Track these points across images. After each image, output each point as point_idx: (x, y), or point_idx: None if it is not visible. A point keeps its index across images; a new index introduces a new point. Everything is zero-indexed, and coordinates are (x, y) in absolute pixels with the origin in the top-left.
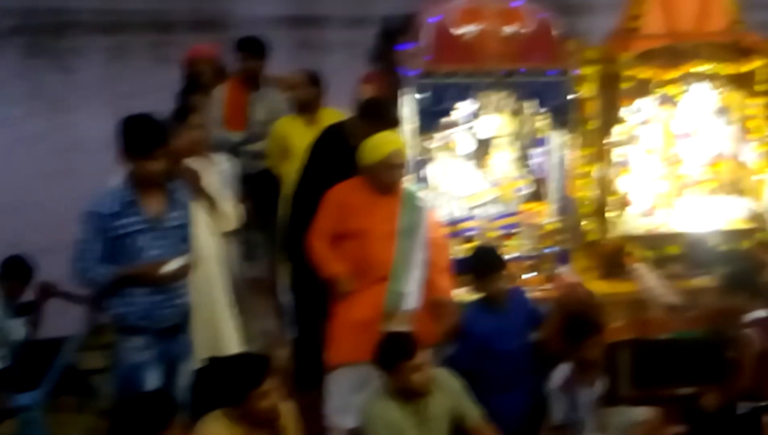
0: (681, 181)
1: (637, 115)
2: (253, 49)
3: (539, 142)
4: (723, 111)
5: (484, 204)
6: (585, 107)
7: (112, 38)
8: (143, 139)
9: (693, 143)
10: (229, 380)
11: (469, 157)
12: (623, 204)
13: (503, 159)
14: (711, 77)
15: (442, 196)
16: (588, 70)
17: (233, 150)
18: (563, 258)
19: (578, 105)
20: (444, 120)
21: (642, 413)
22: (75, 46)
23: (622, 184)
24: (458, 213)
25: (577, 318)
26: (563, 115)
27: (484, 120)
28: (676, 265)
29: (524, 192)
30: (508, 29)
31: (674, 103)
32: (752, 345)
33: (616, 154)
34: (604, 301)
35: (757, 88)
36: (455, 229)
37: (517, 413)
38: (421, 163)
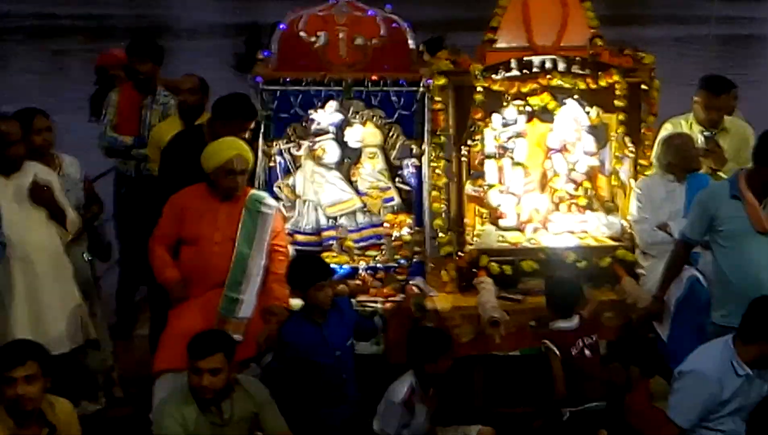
0: (555, 196)
1: (510, 127)
2: (144, 53)
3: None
4: (600, 127)
5: (350, 213)
6: (437, 119)
7: (53, 43)
8: None
9: (567, 158)
10: None
11: (336, 165)
12: (495, 217)
13: (372, 169)
14: (568, 91)
15: (306, 204)
16: (440, 81)
17: (125, 154)
18: (418, 270)
19: (431, 116)
20: (314, 127)
21: (475, 430)
22: (15, 50)
23: (493, 197)
24: (323, 222)
25: (429, 334)
26: (415, 126)
27: (352, 129)
28: (532, 280)
29: (393, 202)
30: (359, 38)
31: (549, 117)
32: (554, 355)
33: (486, 167)
34: (453, 315)
35: (616, 103)
36: (319, 238)
37: (342, 426)
38: (273, 170)
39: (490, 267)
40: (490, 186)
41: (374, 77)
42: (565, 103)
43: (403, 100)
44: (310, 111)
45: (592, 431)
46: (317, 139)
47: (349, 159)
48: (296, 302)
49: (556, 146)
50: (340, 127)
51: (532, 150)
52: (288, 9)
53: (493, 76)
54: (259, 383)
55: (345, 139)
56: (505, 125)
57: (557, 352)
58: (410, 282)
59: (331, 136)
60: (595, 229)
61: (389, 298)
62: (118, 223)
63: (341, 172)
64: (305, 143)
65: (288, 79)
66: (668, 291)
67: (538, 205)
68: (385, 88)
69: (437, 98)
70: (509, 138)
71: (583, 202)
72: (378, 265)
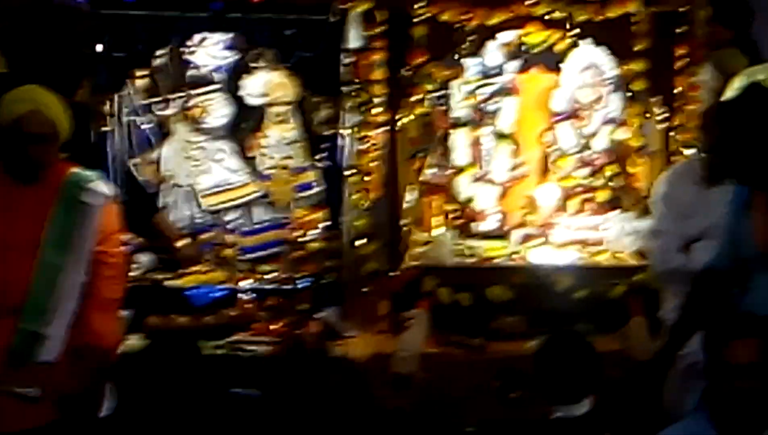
0: (562, 187)
1: (493, 79)
2: None
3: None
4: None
5: (243, 206)
6: (360, 64)
7: None
8: None
9: (581, 129)
10: None
11: (226, 133)
12: (468, 218)
13: (279, 139)
14: (560, 24)
15: (176, 191)
16: (362, 7)
17: None
18: (331, 296)
19: (351, 61)
20: (191, 73)
21: None
22: None
23: (464, 187)
24: (201, 218)
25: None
26: (325, 76)
27: (252, 78)
28: (509, 317)
29: (312, 191)
30: None
31: (551, 66)
32: None
33: (454, 141)
34: (376, 368)
35: (637, 45)
36: (192, 244)
37: None
38: (109, 138)
39: (438, 294)
40: (459, 170)
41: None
42: (578, 44)
43: (305, 35)
44: (166, 49)
45: None
46: (196, 91)
47: (247, 123)
48: (135, 343)
49: (563, 109)
50: (234, 75)
51: (529, 115)
52: None
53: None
54: None
55: (241, 93)
56: (485, 76)
57: None
58: (316, 315)
59: (217, 87)
60: (618, 239)
61: (280, 338)
62: None
63: (234, 143)
64: (177, 98)
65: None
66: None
67: (538, 201)
68: (274, 16)
69: (362, 32)
70: (491, 96)
71: (603, 197)
72: (270, 286)
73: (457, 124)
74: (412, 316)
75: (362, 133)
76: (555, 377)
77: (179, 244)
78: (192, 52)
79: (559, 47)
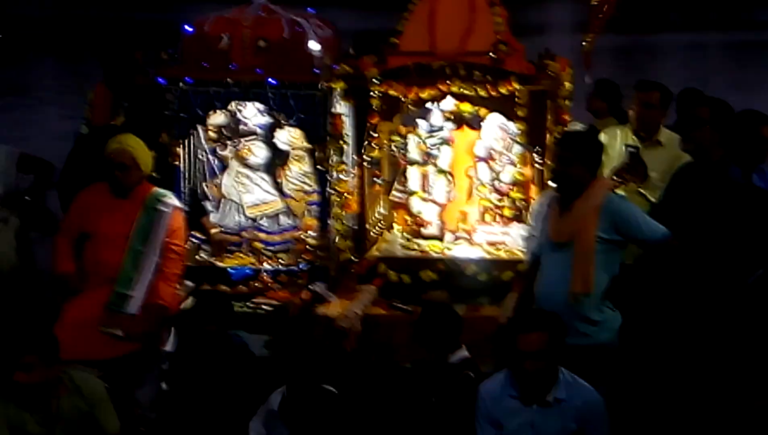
0: (480, 205)
1: (436, 133)
2: None
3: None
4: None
5: (273, 215)
6: (337, 123)
7: None
8: None
9: (493, 167)
10: None
11: (264, 167)
12: (418, 225)
13: (298, 171)
14: (469, 98)
15: (230, 204)
16: (338, 85)
17: None
18: (320, 275)
19: (331, 120)
20: (242, 128)
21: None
22: None
23: (415, 204)
24: (245, 222)
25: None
26: (315, 130)
27: (282, 131)
28: (436, 291)
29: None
30: (261, 40)
31: (475, 125)
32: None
33: (409, 174)
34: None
35: (519, 112)
36: (240, 239)
37: None
38: (177, 169)
39: (388, 275)
40: (412, 193)
41: (271, 79)
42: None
43: (302, 103)
44: (212, 112)
45: None
46: (244, 139)
47: (278, 161)
48: (188, 303)
49: (482, 154)
50: (271, 129)
51: (462, 158)
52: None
53: (392, 80)
54: (94, 380)
55: (274, 141)
56: (431, 131)
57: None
58: (309, 286)
59: (257, 137)
60: (515, 241)
61: (281, 302)
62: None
63: (269, 173)
64: (232, 143)
65: (190, 80)
66: None
67: (465, 215)
68: (282, 91)
69: (344, 102)
70: (434, 145)
71: (508, 213)
72: (282, 267)
73: (412, 162)
74: (362, 289)
75: (340, 169)
76: (431, 334)
77: (213, 232)
78: (239, 113)
79: (483, 112)
